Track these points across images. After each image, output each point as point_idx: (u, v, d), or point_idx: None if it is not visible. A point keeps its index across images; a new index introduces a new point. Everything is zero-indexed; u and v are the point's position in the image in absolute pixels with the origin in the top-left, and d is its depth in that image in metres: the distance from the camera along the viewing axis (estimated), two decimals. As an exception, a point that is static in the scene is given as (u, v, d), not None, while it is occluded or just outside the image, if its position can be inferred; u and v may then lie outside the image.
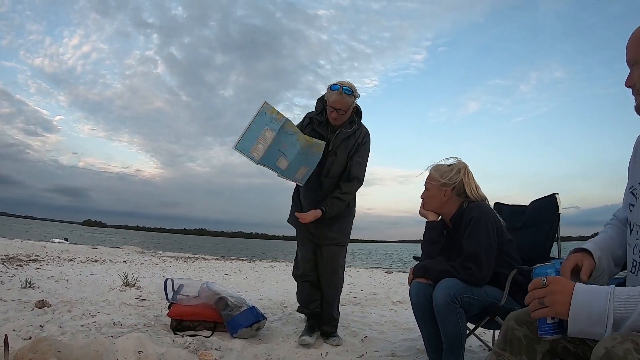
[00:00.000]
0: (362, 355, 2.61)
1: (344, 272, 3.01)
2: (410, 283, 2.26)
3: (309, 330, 2.88)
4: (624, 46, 1.15)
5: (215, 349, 2.50)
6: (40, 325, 2.72)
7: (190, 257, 13.16)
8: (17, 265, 6.03)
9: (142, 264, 8.80)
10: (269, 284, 6.51)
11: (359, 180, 2.79)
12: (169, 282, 3.02)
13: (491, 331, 2.79)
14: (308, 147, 2.60)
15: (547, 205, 2.35)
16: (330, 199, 2.73)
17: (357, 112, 2.85)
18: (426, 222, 2.27)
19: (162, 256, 12.53)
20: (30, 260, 6.93)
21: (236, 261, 12.73)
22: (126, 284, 4.85)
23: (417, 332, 2.37)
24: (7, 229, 25.54)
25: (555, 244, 2.28)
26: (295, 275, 3.00)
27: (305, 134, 2.72)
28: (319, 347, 2.70)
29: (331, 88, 2.69)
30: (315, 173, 2.74)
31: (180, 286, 3.06)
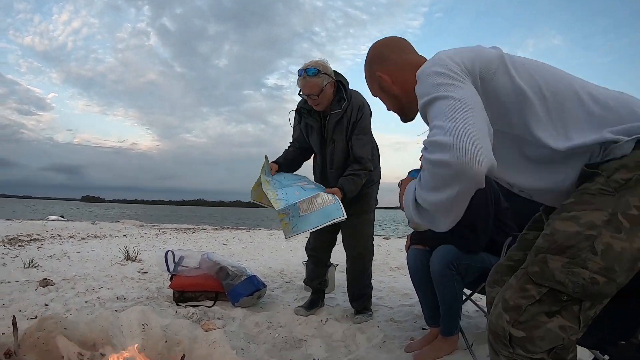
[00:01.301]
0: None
1: (371, 242, 2.73)
2: (407, 249, 2.29)
3: (310, 304, 2.83)
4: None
5: (218, 318, 2.57)
6: (45, 304, 2.76)
7: (189, 228, 13.26)
8: (19, 245, 6.06)
9: (142, 237, 8.87)
10: (268, 252, 6.60)
11: (366, 160, 2.50)
12: (169, 254, 3.06)
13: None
14: (267, 181, 2.46)
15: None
16: (343, 178, 2.47)
17: (343, 86, 2.53)
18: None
19: (161, 228, 12.61)
20: (31, 240, 6.96)
21: (235, 230, 12.83)
22: (127, 258, 4.91)
23: (415, 298, 2.41)
24: (8, 211, 25.43)
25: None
26: (306, 248, 2.92)
27: (296, 130, 2.72)
28: (319, 314, 2.76)
29: (298, 74, 2.44)
30: (320, 166, 2.67)
31: (181, 258, 3.09)
